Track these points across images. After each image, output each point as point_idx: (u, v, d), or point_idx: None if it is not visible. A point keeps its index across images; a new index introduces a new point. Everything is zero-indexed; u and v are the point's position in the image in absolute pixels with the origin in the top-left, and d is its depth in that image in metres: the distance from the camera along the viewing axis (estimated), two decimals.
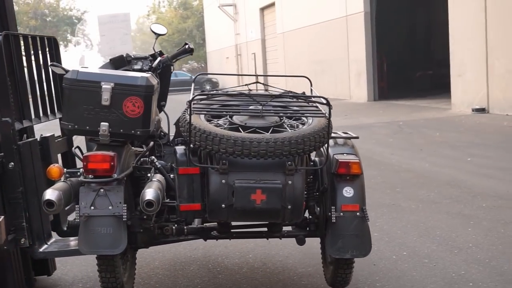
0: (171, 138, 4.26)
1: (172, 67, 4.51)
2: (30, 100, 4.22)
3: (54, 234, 4.16)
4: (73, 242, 4.01)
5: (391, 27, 21.32)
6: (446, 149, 9.70)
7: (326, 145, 3.56)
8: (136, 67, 4.37)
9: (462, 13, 14.53)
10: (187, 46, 4.48)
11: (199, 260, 4.86)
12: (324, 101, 3.57)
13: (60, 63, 4.29)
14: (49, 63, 4.29)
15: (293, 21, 25.70)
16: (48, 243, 4.04)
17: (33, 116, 4.19)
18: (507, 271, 4.38)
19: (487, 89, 13.90)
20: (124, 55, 4.40)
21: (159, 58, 4.43)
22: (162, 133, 4.27)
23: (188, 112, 3.46)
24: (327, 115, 3.54)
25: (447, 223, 5.60)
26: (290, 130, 3.56)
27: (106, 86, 3.40)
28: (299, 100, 3.84)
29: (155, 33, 4.61)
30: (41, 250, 3.96)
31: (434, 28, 21.52)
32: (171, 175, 3.80)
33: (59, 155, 4.42)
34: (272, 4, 28.60)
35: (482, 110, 13.95)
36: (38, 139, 4.21)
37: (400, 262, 4.72)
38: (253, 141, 3.32)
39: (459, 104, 14.93)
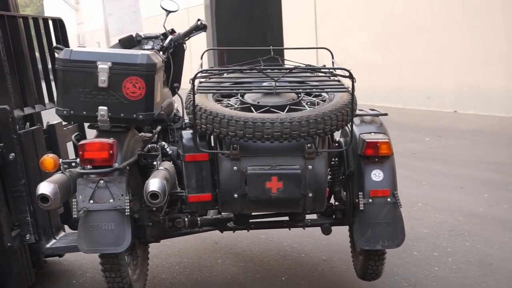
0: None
1: (184, 45, 3.88)
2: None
3: (67, 227, 3.64)
4: None
5: (230, 19, 20.23)
6: None
7: (350, 123, 2.90)
8: (146, 47, 3.76)
9: (295, 8, 14.35)
10: (199, 23, 3.82)
11: None
12: (347, 74, 2.86)
13: (67, 46, 3.67)
14: (53, 46, 3.69)
15: None
16: (57, 238, 3.50)
17: (36, 103, 3.59)
18: (335, 241, 4.14)
19: None
20: (134, 35, 3.80)
21: (170, 37, 3.80)
22: (177, 117, 3.66)
23: (193, 92, 2.83)
24: (350, 89, 2.86)
25: None
26: (308, 108, 2.91)
27: (103, 66, 2.81)
28: (319, 74, 3.20)
29: (165, 10, 3.95)
30: (48, 245, 3.41)
31: (270, 20, 20.58)
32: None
33: (70, 144, 3.80)
34: None
35: None
36: (44, 127, 3.60)
37: (239, 239, 4.34)
38: (266, 122, 2.71)
39: None
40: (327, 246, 4.16)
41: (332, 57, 3.42)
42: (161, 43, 3.77)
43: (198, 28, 3.80)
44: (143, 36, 3.82)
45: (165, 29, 3.84)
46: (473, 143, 7.72)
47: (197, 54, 4.01)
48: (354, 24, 12.37)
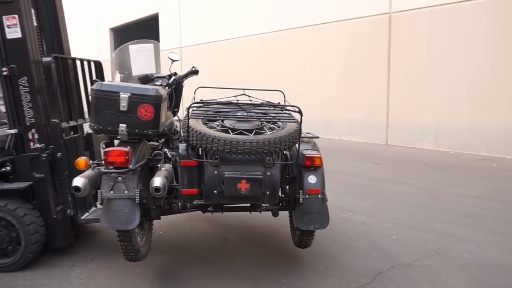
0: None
1: (182, 84, 4.66)
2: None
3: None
4: None
5: None
6: None
7: (297, 144, 3.58)
8: (157, 83, 4.48)
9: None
10: (193, 69, 4.63)
11: None
12: (297, 110, 3.54)
13: (103, 80, 4.50)
14: (93, 79, 4.44)
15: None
16: (90, 212, 4.25)
17: (79, 118, 4.42)
18: (198, 213, 4.59)
19: None
20: (149, 75, 4.58)
21: (173, 77, 4.59)
22: (176, 132, 4.39)
23: (187, 117, 3.54)
24: (298, 121, 3.56)
25: None
26: (269, 132, 3.54)
27: (124, 96, 3.38)
28: (276, 109, 3.84)
29: (171, 59, 4.73)
30: (83, 217, 4.19)
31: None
32: None
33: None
34: None
35: None
36: (84, 135, 4.43)
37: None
38: (240, 141, 3.29)
39: None
40: (196, 215, 5.22)
41: (284, 97, 4.18)
42: (167, 81, 4.54)
43: (192, 72, 4.63)
44: (155, 76, 4.58)
45: (170, 72, 4.67)
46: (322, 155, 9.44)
47: None
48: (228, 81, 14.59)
